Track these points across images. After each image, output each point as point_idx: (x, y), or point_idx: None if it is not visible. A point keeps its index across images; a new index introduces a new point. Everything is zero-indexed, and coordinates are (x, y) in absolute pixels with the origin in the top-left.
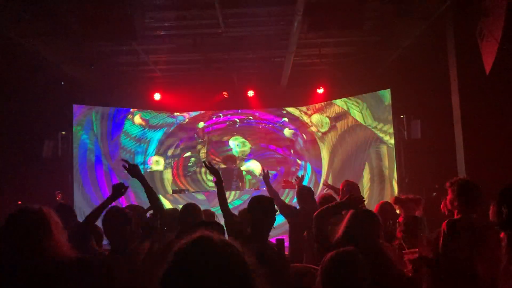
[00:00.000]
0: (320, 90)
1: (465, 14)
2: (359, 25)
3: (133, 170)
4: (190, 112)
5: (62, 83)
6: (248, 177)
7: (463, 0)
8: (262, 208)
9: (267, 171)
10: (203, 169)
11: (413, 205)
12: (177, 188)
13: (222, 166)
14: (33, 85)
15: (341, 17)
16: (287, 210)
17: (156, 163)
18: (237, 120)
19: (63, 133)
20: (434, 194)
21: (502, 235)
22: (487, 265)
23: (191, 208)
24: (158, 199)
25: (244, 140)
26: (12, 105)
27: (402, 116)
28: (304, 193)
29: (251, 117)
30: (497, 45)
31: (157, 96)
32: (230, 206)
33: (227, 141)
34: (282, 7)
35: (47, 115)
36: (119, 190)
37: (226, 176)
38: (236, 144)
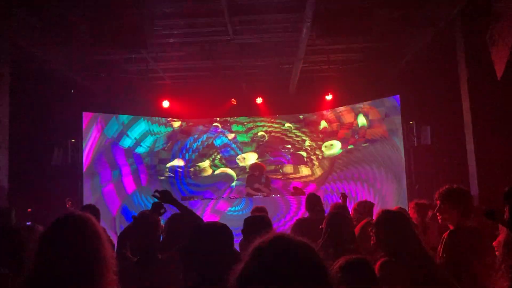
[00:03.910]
0: (329, 97)
1: (474, 20)
2: (367, 31)
3: (166, 196)
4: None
5: (72, 91)
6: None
7: (473, 6)
8: None
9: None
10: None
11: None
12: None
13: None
14: (43, 93)
15: (349, 24)
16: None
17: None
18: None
19: (73, 140)
20: None
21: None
22: (486, 271)
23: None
24: (196, 216)
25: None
26: (22, 112)
27: (411, 122)
28: (313, 200)
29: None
30: (509, 50)
31: (166, 104)
32: None
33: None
34: (291, 14)
35: (56, 122)
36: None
37: (254, 183)
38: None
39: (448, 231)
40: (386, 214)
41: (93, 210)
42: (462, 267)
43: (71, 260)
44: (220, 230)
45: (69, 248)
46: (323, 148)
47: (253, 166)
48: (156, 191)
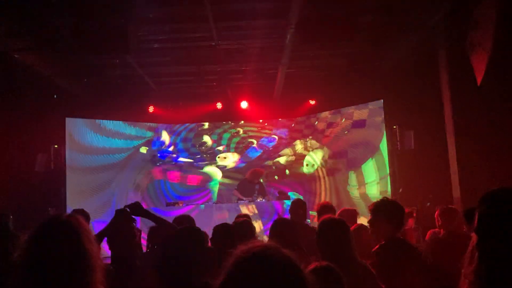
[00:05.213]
0: (313, 102)
1: (456, 26)
2: (351, 37)
3: (136, 208)
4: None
5: (55, 96)
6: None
7: (455, 12)
8: None
9: None
10: None
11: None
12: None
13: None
14: (26, 99)
15: (333, 30)
16: None
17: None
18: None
19: (56, 146)
20: (428, 204)
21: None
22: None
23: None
24: (170, 226)
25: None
26: (5, 118)
27: (395, 127)
28: (297, 204)
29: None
30: (488, 57)
31: (151, 109)
32: None
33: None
34: (275, 20)
35: (39, 128)
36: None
37: (247, 189)
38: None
39: (378, 244)
40: (324, 221)
41: (83, 214)
42: (394, 279)
43: (59, 260)
44: (192, 235)
45: (57, 248)
46: (304, 169)
47: (252, 173)
48: (126, 206)
